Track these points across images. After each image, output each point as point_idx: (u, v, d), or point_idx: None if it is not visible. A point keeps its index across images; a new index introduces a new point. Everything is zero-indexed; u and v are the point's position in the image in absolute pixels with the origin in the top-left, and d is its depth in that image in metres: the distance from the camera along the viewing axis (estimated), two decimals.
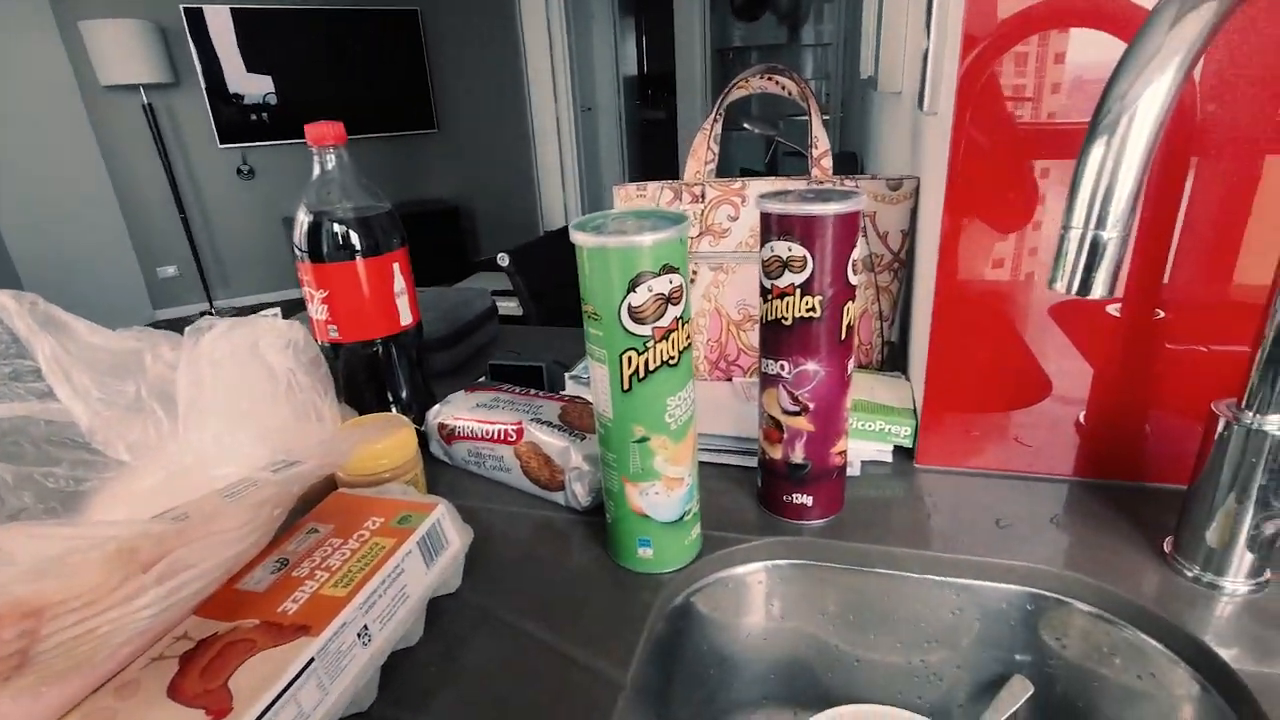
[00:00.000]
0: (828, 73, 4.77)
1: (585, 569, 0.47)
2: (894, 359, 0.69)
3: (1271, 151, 0.43)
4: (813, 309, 0.42)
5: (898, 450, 0.57)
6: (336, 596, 0.35)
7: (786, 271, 0.42)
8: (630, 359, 0.39)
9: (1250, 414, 0.39)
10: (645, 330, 0.38)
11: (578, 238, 0.38)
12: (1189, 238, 0.46)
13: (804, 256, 0.41)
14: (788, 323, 0.43)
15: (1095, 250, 0.26)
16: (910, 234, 0.64)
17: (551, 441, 0.51)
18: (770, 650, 0.51)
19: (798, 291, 0.42)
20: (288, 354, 0.42)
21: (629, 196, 0.69)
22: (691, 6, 4.08)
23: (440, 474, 0.59)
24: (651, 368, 0.39)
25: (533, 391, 0.59)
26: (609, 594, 0.44)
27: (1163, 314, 0.49)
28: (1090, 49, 0.43)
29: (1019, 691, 0.46)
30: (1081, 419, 0.52)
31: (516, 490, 0.55)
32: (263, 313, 0.47)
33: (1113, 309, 0.49)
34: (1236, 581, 0.42)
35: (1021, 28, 0.44)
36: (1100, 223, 0.25)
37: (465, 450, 0.57)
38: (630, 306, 0.37)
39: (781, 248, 0.42)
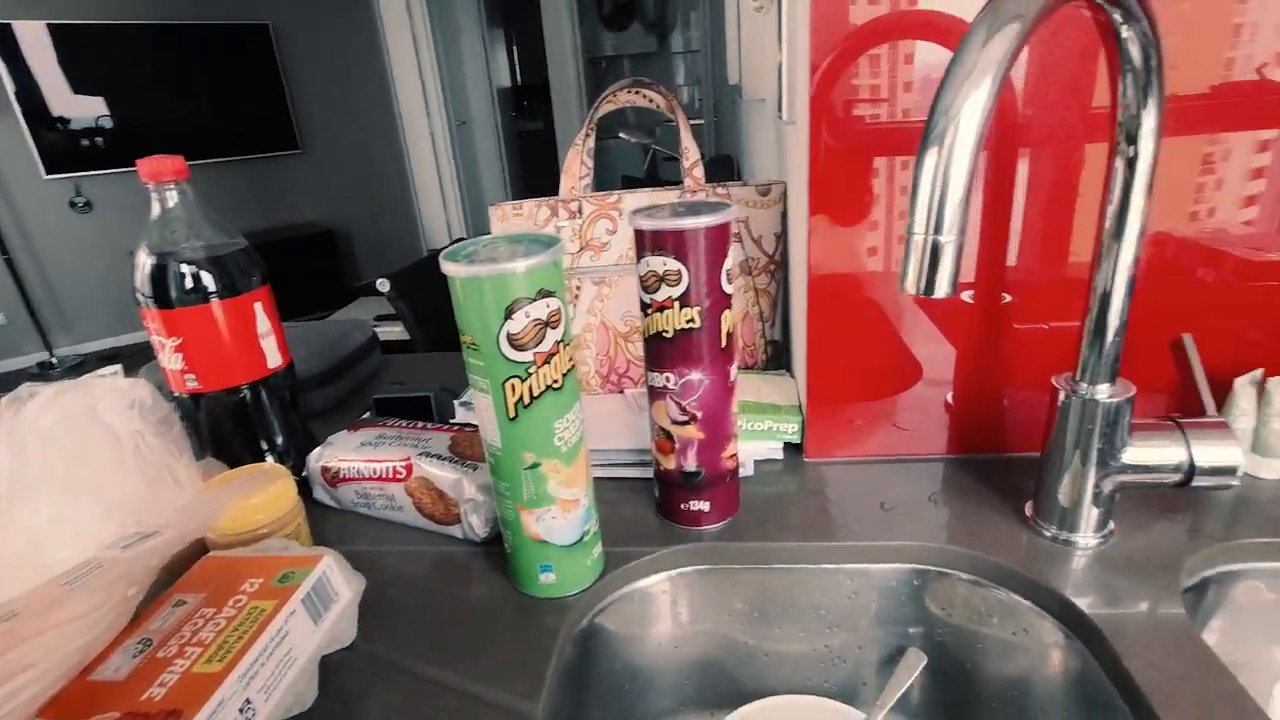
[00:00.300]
0: (698, 78, 4.90)
1: (488, 602, 0.45)
2: (778, 357, 0.71)
3: (1087, 141, 0.48)
4: (692, 320, 0.43)
5: (788, 446, 0.59)
6: (211, 673, 0.32)
7: (663, 285, 0.43)
8: (514, 386, 0.38)
9: (1084, 385, 0.44)
10: (526, 356, 0.37)
11: (449, 269, 0.36)
12: (1025, 225, 0.50)
13: (679, 270, 0.42)
14: (669, 335, 0.44)
15: (935, 253, 0.28)
16: (783, 236, 0.67)
17: (443, 475, 0.50)
18: (682, 657, 0.52)
19: (676, 304, 0.43)
20: (133, 415, 0.38)
21: (505, 216, 0.68)
22: (560, 17, 4.09)
23: (327, 521, 0.55)
24: (536, 393, 0.38)
25: (420, 424, 0.57)
26: (514, 625, 0.43)
27: (1009, 297, 0.53)
28: (937, 49, 0.47)
29: (914, 663, 0.49)
30: (949, 400, 0.56)
31: (411, 528, 0.53)
32: (100, 371, 0.43)
33: (966, 295, 0.54)
34: (1087, 536, 0.46)
35: (867, 39, 0.47)
36: (938, 228, 0.27)
37: (353, 492, 0.54)
38: (509, 334, 0.37)
39: (656, 263, 0.42)
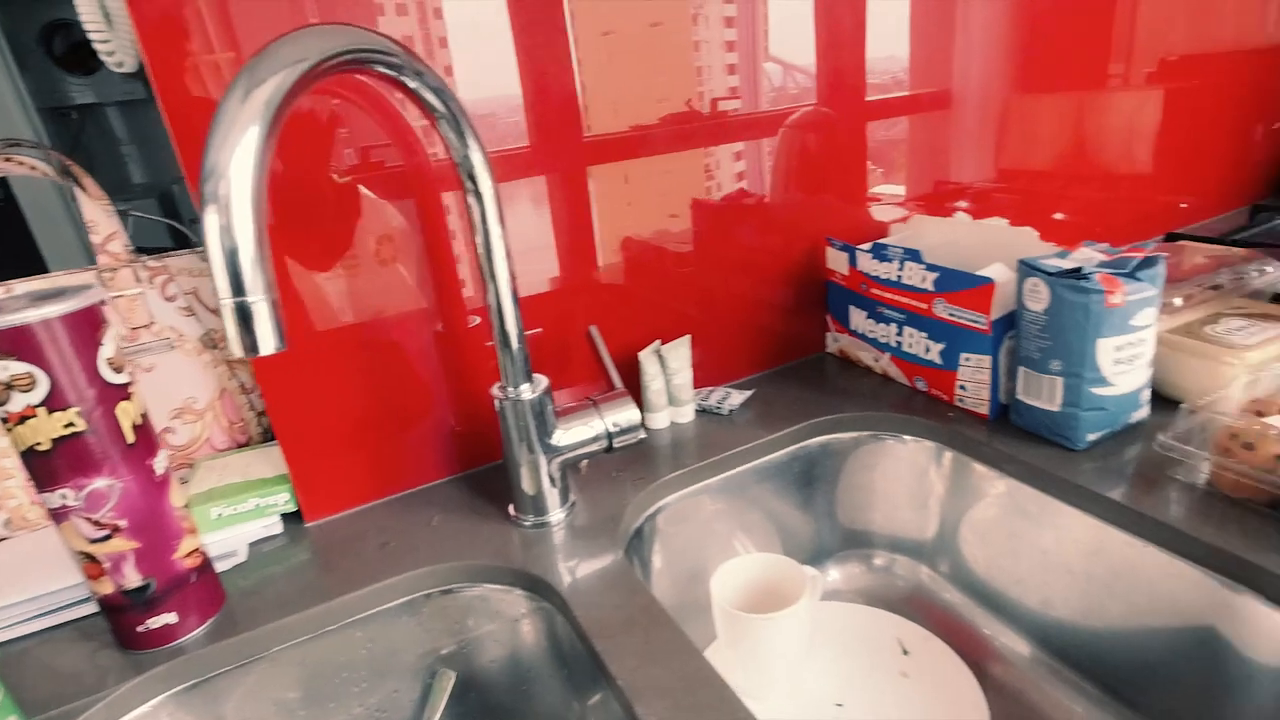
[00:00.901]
0: None
1: None
2: None
3: (450, 189, 0.55)
4: (72, 424, 0.37)
5: (289, 516, 0.56)
6: None
7: (14, 393, 0.36)
8: None
9: (511, 389, 0.50)
10: None
11: None
12: (463, 254, 0.56)
13: (29, 372, 0.36)
14: (46, 448, 0.37)
15: (247, 315, 0.28)
16: None
17: None
18: None
19: (42, 411, 0.37)
20: None
21: None
22: None
23: None
24: None
25: None
26: None
27: (477, 320, 0.59)
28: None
29: (445, 683, 0.51)
30: (454, 423, 0.60)
31: None
32: None
33: (438, 326, 0.57)
34: (556, 514, 0.54)
35: None
36: (240, 290, 0.28)
37: None
38: None
39: None
